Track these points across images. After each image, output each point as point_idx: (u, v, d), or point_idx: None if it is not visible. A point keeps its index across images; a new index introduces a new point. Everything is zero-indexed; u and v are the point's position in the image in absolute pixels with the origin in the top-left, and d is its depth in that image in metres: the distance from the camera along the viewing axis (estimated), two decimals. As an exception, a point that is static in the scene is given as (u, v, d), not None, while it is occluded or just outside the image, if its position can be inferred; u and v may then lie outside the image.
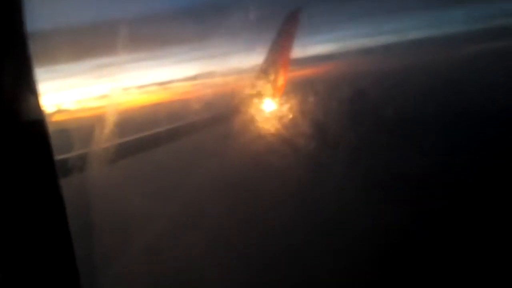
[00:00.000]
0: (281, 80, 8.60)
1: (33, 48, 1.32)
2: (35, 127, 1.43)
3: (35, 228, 1.43)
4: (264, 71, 8.53)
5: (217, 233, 14.46)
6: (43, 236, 1.47)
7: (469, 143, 24.69)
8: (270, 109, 8.24)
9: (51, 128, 1.46)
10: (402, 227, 14.01)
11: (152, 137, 5.98)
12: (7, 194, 1.37)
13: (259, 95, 8.25)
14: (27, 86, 1.39)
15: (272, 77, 8.48)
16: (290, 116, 8.80)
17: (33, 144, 1.43)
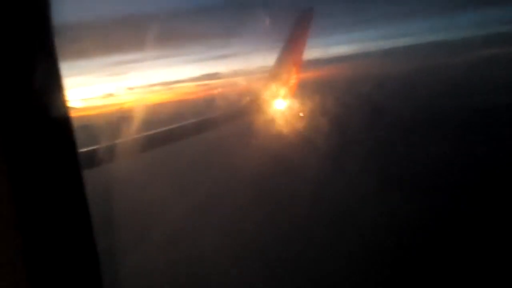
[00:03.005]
0: (293, 80, 8.55)
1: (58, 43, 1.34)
2: (60, 122, 1.46)
3: (60, 219, 1.46)
4: (276, 71, 8.50)
5: (228, 229, 14.53)
6: (67, 227, 1.49)
7: (469, 143, 24.16)
8: (282, 109, 8.22)
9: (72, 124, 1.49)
10: (410, 225, 13.85)
11: (167, 133, 6.00)
12: (34, 187, 1.40)
13: (271, 94, 8.22)
14: (53, 81, 1.41)
15: (284, 77, 8.45)
16: (302, 115, 8.75)
17: (58, 138, 1.45)
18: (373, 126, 29.33)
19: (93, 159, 4.29)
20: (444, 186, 17.86)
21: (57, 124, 1.43)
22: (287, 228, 14.79)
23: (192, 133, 6.59)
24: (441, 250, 11.85)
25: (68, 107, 1.47)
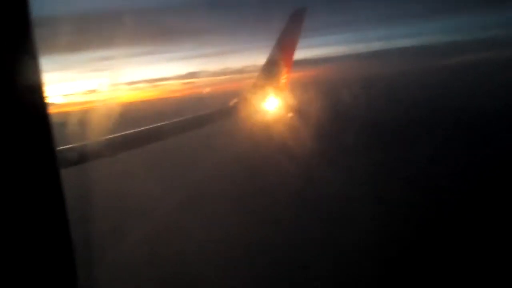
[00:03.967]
0: (283, 79, 8.56)
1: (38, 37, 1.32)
2: (38, 118, 1.43)
3: (35, 217, 1.44)
4: (266, 70, 8.49)
5: (208, 230, 14.52)
6: (42, 226, 1.47)
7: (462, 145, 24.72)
8: (271, 108, 8.22)
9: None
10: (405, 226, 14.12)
11: (150, 132, 5.89)
12: (9, 184, 1.38)
13: (261, 93, 8.21)
14: (32, 76, 1.38)
15: (274, 76, 8.45)
16: (291, 115, 8.78)
17: (36, 135, 1.43)
18: (364, 125, 29.81)
19: (73, 157, 4.20)
20: (434, 186, 18.31)
21: (35, 121, 1.41)
22: (274, 227, 14.92)
23: (177, 132, 6.50)
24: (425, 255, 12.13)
25: (47, 103, 1.45)
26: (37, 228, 1.46)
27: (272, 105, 8.29)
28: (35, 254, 1.45)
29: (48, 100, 1.48)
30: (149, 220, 14.34)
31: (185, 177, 21.15)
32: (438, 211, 15.07)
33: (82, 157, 4.32)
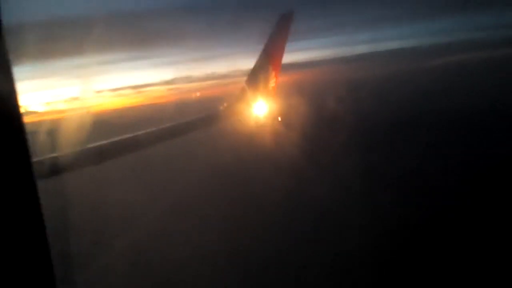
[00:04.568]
0: (272, 82, 8.58)
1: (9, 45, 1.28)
2: (13, 128, 1.40)
3: (11, 226, 1.41)
4: (255, 74, 8.50)
5: (202, 235, 14.40)
6: (19, 237, 1.44)
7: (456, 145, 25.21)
8: (260, 112, 8.22)
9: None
10: (402, 225, 14.25)
11: (135, 139, 5.74)
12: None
13: (249, 98, 8.21)
14: (5, 84, 1.35)
15: (263, 80, 8.46)
16: (280, 119, 8.79)
17: (11, 145, 1.39)
18: (353, 128, 30.08)
19: (53, 167, 4.08)
20: (428, 186, 18.56)
21: (10, 131, 1.37)
22: (261, 229, 14.90)
23: (162, 139, 6.40)
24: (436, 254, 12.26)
25: (22, 113, 1.41)
26: (14, 239, 1.42)
27: (260, 110, 8.28)
28: (13, 265, 1.41)
29: (23, 109, 1.44)
30: (128, 229, 14.18)
31: (170, 184, 20.95)
32: (428, 212, 15.26)
33: (60, 168, 4.19)
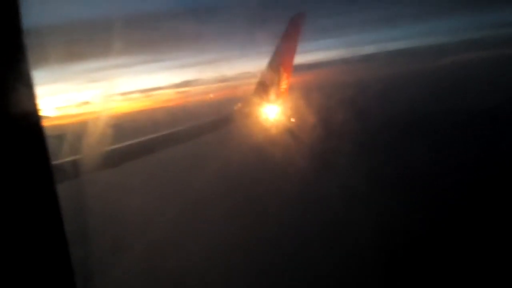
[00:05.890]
0: (284, 84, 8.56)
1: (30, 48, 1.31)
2: (32, 131, 1.42)
3: (32, 230, 1.42)
4: (266, 76, 8.50)
5: (217, 238, 14.46)
6: (39, 239, 1.45)
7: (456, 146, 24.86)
8: (272, 114, 8.21)
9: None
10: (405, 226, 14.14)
11: (149, 142, 5.80)
12: (4, 197, 1.36)
13: (261, 100, 8.21)
14: (25, 89, 1.37)
15: (275, 82, 8.45)
16: (293, 120, 8.76)
17: (31, 148, 1.41)
18: (363, 130, 29.92)
19: (69, 170, 4.16)
20: (431, 188, 18.43)
21: (29, 134, 1.39)
22: (275, 233, 14.88)
23: (175, 142, 6.45)
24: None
25: (40, 116, 1.43)
26: (35, 242, 1.44)
27: (273, 111, 8.28)
28: (33, 269, 1.43)
29: (41, 113, 1.46)
30: (145, 234, 14.30)
31: (185, 187, 21.12)
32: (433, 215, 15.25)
33: (77, 171, 4.26)
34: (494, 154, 20.88)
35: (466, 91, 44.47)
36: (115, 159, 4.97)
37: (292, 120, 8.77)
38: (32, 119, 1.41)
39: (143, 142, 5.64)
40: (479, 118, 29.92)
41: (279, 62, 8.62)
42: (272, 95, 8.23)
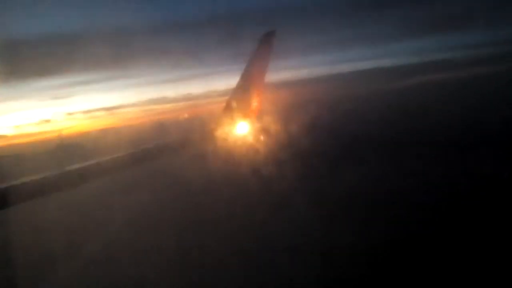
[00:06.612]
0: (255, 102, 8.43)
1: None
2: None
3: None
4: (238, 93, 8.35)
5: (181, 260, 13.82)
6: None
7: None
8: (244, 132, 8.01)
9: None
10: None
11: (105, 164, 5.35)
12: None
13: (231, 119, 8.01)
14: None
15: (245, 100, 8.31)
16: (264, 138, 8.62)
17: None
18: (333, 147, 30.44)
19: (14, 195, 3.74)
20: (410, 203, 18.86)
21: None
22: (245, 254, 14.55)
23: (133, 164, 6.02)
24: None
25: None
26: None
27: (242, 130, 8.09)
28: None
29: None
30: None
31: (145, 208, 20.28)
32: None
33: (24, 195, 3.84)
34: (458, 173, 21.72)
35: (448, 108, 46.75)
36: (67, 182, 4.53)
37: (261, 138, 8.62)
38: None
39: (96, 165, 5.18)
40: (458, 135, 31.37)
41: (249, 80, 8.52)
42: (242, 113, 8.06)
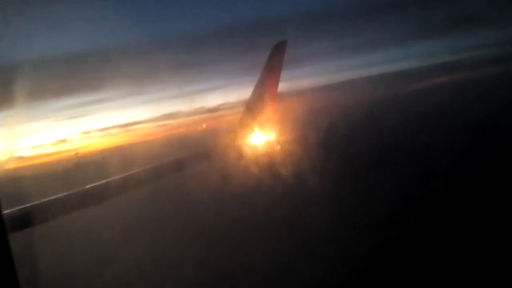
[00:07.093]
0: (270, 112, 8.52)
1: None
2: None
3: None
4: (252, 105, 8.45)
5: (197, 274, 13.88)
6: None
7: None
8: (259, 142, 8.09)
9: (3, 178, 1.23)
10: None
11: (125, 180, 5.44)
12: None
13: (246, 130, 8.11)
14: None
15: (261, 110, 8.40)
16: (280, 148, 8.67)
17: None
18: (352, 155, 30.12)
19: (33, 215, 3.86)
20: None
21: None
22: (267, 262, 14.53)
23: (154, 177, 6.13)
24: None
25: None
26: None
27: (259, 140, 8.16)
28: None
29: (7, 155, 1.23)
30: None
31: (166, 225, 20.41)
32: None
33: (30, 219, 3.91)
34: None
35: (460, 110, 45.89)
36: (87, 200, 4.65)
37: (279, 147, 8.68)
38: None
39: (119, 180, 5.30)
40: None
41: (263, 91, 8.62)
42: (257, 124, 8.14)
